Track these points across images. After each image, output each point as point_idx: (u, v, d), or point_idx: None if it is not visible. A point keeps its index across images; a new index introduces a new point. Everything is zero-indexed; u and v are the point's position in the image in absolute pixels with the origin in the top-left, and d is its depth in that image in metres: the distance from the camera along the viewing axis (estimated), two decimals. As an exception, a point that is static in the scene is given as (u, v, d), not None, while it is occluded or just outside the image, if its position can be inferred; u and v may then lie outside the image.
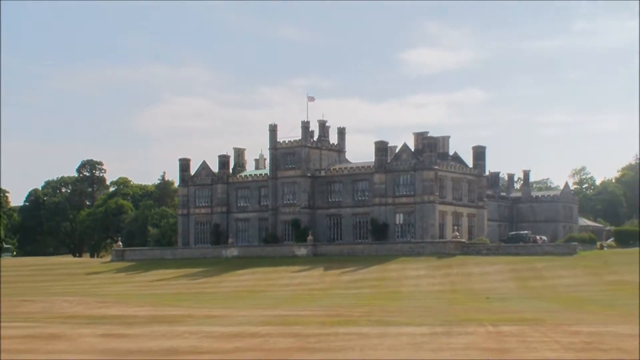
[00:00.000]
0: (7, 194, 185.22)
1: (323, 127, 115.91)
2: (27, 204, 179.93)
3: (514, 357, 20.91)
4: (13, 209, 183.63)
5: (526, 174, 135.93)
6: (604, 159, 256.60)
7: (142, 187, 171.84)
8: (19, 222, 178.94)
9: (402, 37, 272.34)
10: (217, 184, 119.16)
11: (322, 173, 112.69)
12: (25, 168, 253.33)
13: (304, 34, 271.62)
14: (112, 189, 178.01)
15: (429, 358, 21.02)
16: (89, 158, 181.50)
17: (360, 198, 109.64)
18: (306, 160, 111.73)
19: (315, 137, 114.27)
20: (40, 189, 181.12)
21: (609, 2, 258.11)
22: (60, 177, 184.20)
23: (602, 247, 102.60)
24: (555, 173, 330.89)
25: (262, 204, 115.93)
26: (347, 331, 28.88)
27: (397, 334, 27.33)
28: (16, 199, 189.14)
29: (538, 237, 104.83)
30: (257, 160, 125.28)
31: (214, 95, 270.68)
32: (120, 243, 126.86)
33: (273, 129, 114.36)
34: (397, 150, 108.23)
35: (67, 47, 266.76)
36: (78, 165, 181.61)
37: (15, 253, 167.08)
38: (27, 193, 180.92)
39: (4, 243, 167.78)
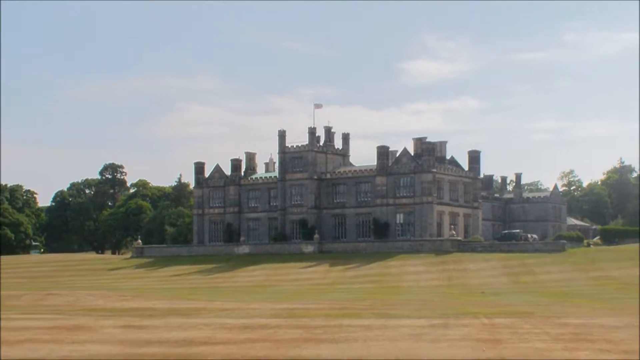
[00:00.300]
0: (35, 195, 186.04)
1: (328, 132, 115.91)
2: (53, 204, 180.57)
3: (507, 347, 20.85)
4: (41, 209, 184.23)
5: (518, 176, 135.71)
6: (591, 163, 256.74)
7: (160, 189, 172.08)
8: (46, 221, 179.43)
9: (402, 48, 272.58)
10: (230, 186, 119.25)
11: (328, 176, 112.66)
12: (51, 171, 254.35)
13: (311, 46, 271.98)
14: (132, 190, 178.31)
15: (427, 348, 20.97)
16: (111, 162, 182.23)
17: (363, 199, 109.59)
18: (313, 163, 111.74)
19: (321, 142, 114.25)
20: (65, 190, 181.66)
21: (597, 16, 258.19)
22: (84, 179, 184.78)
23: (588, 245, 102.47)
24: (545, 176, 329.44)
25: (271, 204, 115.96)
26: (351, 323, 28.82)
27: (397, 326, 27.26)
28: (43, 200, 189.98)
29: (529, 236, 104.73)
30: (267, 164, 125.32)
31: (227, 103, 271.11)
32: (140, 241, 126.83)
33: (282, 135, 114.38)
34: (397, 154, 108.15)
35: (91, 61, 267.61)
36: (101, 168, 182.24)
37: (42, 250, 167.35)
38: (54, 194, 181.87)
39: (32, 241, 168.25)
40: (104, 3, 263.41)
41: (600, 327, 26.31)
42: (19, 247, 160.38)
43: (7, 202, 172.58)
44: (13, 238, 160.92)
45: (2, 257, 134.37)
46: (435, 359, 18.86)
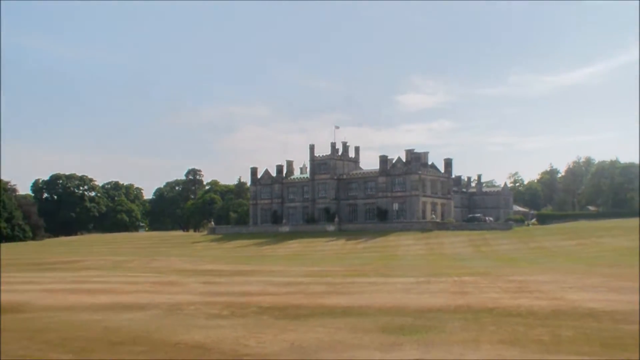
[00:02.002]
0: (142, 191, 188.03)
1: (345, 146, 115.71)
2: (154, 197, 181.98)
3: (471, 297, 20.79)
4: (146, 200, 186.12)
5: (479, 176, 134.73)
6: (530, 167, 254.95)
7: (226, 186, 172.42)
8: (149, 209, 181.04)
9: (397, 86, 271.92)
10: (275, 184, 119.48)
11: (344, 176, 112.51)
12: (154, 173, 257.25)
13: (332, 85, 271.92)
14: (207, 187, 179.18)
15: (415, 298, 20.96)
16: (193, 167, 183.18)
17: (369, 193, 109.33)
18: (333, 168, 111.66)
19: (340, 153, 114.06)
20: (162, 187, 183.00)
21: (533, 64, 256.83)
22: (175, 179, 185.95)
23: (528, 225, 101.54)
24: (498, 176, 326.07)
25: (304, 197, 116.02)
26: (361, 281, 28.86)
27: (394, 283, 27.26)
28: (148, 194, 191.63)
29: (487, 218, 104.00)
30: (301, 168, 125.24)
31: (274, 125, 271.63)
32: (213, 223, 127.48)
33: (312, 148, 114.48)
34: (394, 161, 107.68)
35: (178, 95, 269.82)
36: (186, 171, 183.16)
37: (147, 229, 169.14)
38: (155, 190, 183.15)
39: (140, 222, 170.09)
40: (186, 55, 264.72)
41: (536, 282, 26.13)
42: (131, 227, 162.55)
43: (123, 196, 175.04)
44: (127, 220, 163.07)
45: (118, 233, 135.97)
46: (421, 305, 18.84)
